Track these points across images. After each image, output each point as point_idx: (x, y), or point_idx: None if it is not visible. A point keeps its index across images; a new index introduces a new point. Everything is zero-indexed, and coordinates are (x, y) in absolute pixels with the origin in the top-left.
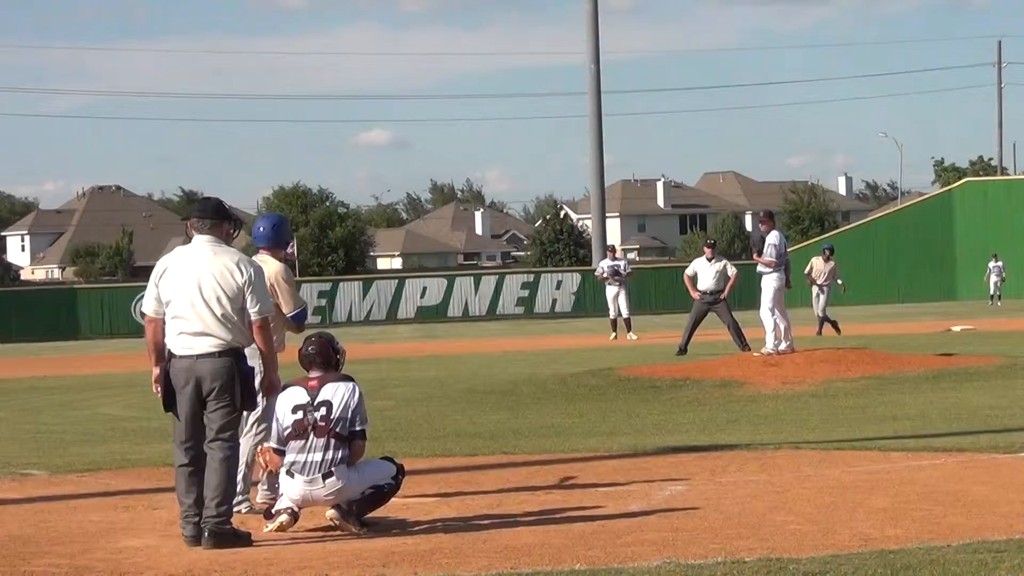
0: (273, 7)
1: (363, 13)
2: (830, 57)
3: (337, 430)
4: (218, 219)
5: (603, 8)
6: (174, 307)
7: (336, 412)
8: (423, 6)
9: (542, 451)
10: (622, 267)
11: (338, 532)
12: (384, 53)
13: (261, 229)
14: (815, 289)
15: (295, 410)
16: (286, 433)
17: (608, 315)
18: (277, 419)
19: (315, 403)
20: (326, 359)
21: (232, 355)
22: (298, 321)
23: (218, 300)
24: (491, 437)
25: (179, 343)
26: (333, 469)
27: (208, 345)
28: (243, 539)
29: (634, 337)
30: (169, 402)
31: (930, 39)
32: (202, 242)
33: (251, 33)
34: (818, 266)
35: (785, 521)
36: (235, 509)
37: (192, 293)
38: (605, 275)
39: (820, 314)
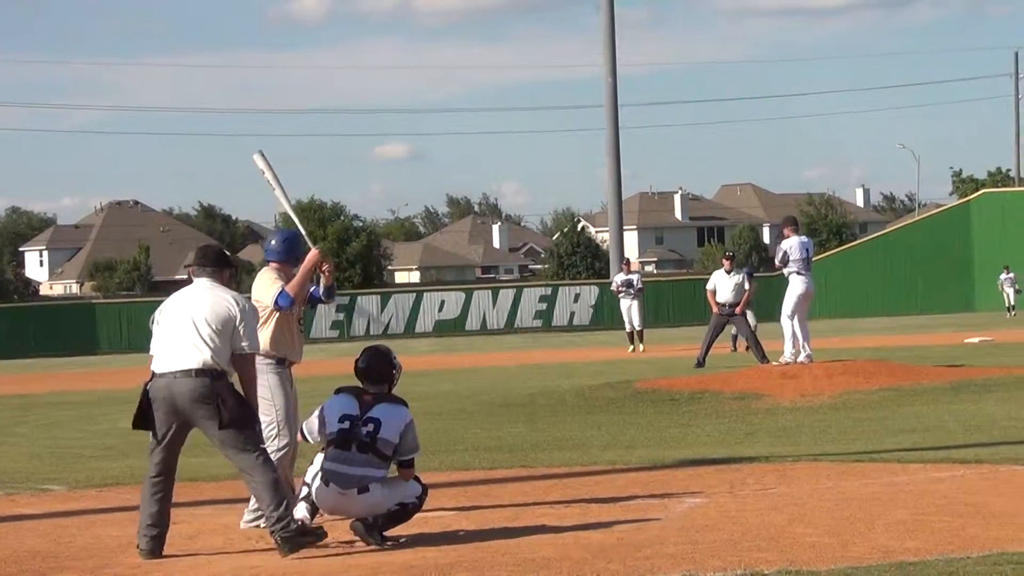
0: (291, 22)
1: (382, 27)
2: (847, 69)
3: (379, 448)
4: (218, 267)
5: (620, 21)
6: (160, 329)
7: (383, 433)
8: (441, 20)
9: (561, 464)
10: (635, 280)
11: (359, 545)
12: (402, 67)
13: (272, 243)
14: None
15: (343, 419)
16: (329, 438)
17: (625, 328)
18: (324, 418)
19: (363, 418)
20: (381, 373)
21: (210, 375)
22: (283, 304)
23: (205, 320)
24: (509, 450)
25: (159, 362)
26: (369, 486)
27: (187, 363)
28: (317, 535)
29: (641, 348)
30: (141, 420)
31: (947, 50)
32: (201, 281)
33: (269, 48)
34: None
35: (804, 533)
36: (253, 524)
37: (182, 316)
38: (620, 288)
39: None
